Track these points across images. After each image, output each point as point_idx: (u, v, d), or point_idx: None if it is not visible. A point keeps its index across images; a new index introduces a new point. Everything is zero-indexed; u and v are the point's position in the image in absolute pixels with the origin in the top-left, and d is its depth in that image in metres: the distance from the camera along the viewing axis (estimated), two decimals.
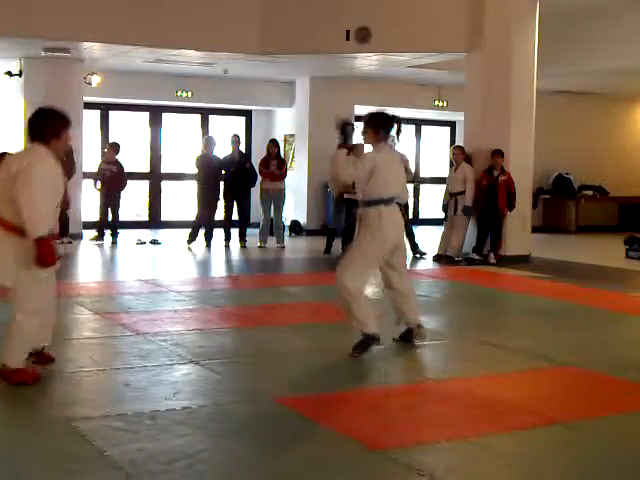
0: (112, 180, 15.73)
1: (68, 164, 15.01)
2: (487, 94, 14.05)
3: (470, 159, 14.10)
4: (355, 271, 7.03)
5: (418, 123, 21.88)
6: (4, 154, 10.67)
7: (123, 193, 16.11)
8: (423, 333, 7.60)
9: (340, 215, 14.72)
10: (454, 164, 14.32)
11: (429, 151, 22.22)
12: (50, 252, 5.81)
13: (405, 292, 7.51)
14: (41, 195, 5.75)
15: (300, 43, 14.77)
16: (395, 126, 7.40)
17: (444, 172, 16.85)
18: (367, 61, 15.95)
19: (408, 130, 21.64)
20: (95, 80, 16.54)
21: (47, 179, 5.85)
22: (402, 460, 4.65)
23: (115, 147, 16.13)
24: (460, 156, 14.13)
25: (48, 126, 6.01)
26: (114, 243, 15.58)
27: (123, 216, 16.80)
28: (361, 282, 7.11)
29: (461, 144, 14.96)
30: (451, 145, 19.45)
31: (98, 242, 15.65)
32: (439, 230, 14.79)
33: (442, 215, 14.70)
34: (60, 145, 6.09)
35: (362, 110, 19.20)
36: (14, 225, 5.81)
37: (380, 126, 7.34)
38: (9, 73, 16.04)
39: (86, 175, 16.18)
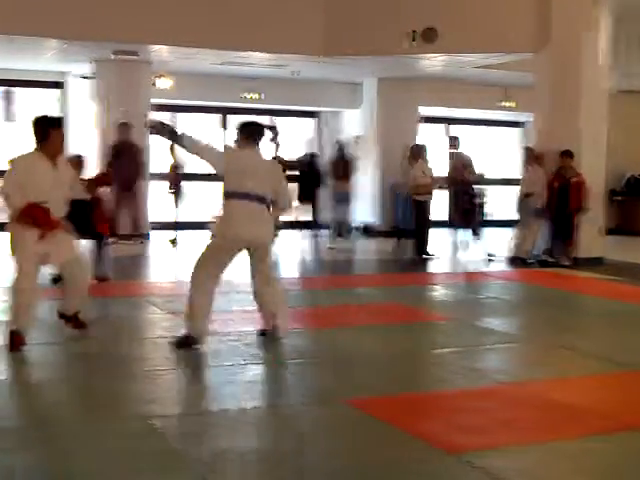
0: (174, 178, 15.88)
1: (136, 165, 15.24)
2: (556, 94, 13.89)
3: (540, 160, 13.95)
4: (200, 264, 7.23)
5: (485, 124, 21.74)
6: (79, 157, 10.87)
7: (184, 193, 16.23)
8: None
9: (409, 216, 14.68)
10: (524, 166, 14.20)
11: (497, 152, 22.04)
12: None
13: (270, 299, 7.55)
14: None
15: (366, 44, 14.76)
16: (270, 134, 7.82)
17: (513, 173, 16.71)
18: (433, 62, 15.88)
19: (474, 131, 21.51)
20: (164, 82, 16.72)
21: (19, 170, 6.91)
22: (476, 463, 4.62)
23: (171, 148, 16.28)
24: (530, 157, 14.00)
25: (35, 131, 6.99)
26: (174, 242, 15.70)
27: (194, 217, 16.93)
28: (203, 276, 7.18)
29: (531, 145, 14.84)
30: (520, 146, 19.28)
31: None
32: (510, 232, 14.66)
33: (512, 216, 14.57)
34: (49, 145, 6.95)
35: (428, 111, 19.22)
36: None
37: (248, 134, 7.46)
38: (81, 76, 16.28)
39: (154, 176, 16.33)
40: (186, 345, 7.08)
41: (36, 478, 4.38)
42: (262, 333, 7.61)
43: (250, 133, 7.46)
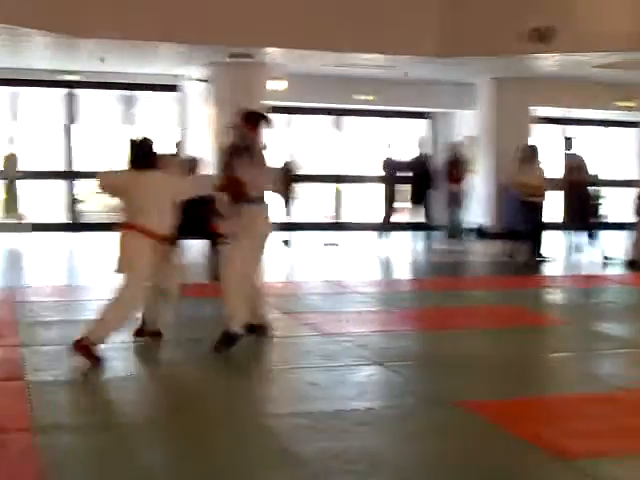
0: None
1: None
2: None
3: None
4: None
5: (602, 124, 21.30)
6: (194, 159, 11.05)
7: (299, 195, 16.42)
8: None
9: (523, 218, 14.48)
10: None
11: (615, 153, 21.57)
12: None
13: None
14: None
15: (480, 44, 14.64)
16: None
17: (632, 174, 16.33)
18: (549, 61, 15.64)
19: (590, 131, 21.09)
20: (278, 85, 16.90)
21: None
22: (590, 471, 4.52)
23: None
24: None
25: (138, 153, 6.95)
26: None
27: (311, 218, 17.06)
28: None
29: None
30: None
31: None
32: (627, 234, 14.31)
33: (631, 218, 14.20)
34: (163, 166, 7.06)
35: (543, 111, 18.94)
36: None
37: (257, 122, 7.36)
38: (197, 79, 16.57)
39: None
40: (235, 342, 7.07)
41: (155, 473, 4.49)
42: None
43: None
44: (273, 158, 15.43)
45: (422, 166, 15.75)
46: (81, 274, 12.47)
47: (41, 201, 18.02)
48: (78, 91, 18.07)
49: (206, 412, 5.49)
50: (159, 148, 7.16)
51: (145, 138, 7.14)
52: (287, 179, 16.06)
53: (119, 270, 6.76)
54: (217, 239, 11.01)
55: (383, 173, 15.97)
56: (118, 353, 6.98)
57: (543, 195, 14.17)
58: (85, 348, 6.46)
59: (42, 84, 17.82)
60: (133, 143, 7.09)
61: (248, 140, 7.22)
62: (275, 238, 15.63)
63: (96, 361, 6.45)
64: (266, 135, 7.37)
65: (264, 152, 7.33)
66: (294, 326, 8.27)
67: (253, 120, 7.32)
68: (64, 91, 18.03)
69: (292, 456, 4.66)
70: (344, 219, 19.57)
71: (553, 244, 15.03)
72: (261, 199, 7.25)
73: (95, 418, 5.34)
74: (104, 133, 18.71)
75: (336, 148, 19.55)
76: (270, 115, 7.53)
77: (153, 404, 5.89)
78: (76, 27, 13.03)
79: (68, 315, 8.63)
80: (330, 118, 19.47)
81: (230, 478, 4.41)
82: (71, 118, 18.12)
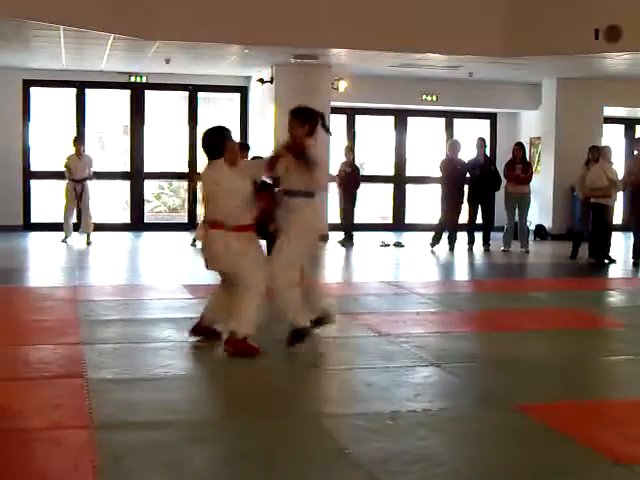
0: (346, 180, 16.05)
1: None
2: None
3: None
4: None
5: None
6: (245, 144, 11.11)
7: (360, 196, 16.47)
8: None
9: (586, 219, 14.32)
10: None
11: None
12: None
13: None
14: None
15: (546, 44, 14.47)
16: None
17: None
18: (617, 61, 15.41)
19: None
20: (342, 85, 16.93)
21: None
22: None
23: (352, 149, 16.69)
24: None
25: (214, 145, 6.99)
26: (350, 244, 15.89)
27: (368, 219, 16.99)
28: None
29: None
30: None
31: (347, 244, 15.97)
32: None
33: None
34: (228, 155, 6.93)
35: (611, 112, 18.66)
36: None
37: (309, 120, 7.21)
38: (261, 80, 16.66)
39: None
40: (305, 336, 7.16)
41: (211, 472, 4.53)
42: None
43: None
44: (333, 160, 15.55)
45: (483, 167, 15.64)
46: (142, 274, 12.61)
47: (104, 201, 18.18)
48: (143, 92, 18.26)
49: (262, 412, 5.51)
50: (229, 137, 7.10)
51: (214, 127, 7.24)
52: (354, 179, 16.10)
53: (208, 267, 7.23)
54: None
55: (440, 174, 15.87)
56: (176, 351, 7.07)
57: (609, 197, 13.95)
58: (242, 342, 6.79)
59: (108, 85, 18.08)
60: (203, 134, 7.20)
61: (298, 139, 7.09)
62: (333, 239, 15.79)
63: (256, 350, 6.81)
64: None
65: (314, 151, 7.18)
66: (351, 327, 8.29)
67: (306, 118, 7.19)
68: (130, 92, 18.23)
69: (347, 457, 4.66)
70: (405, 220, 19.50)
71: (616, 245, 14.82)
72: (309, 194, 7.13)
73: (153, 416, 5.38)
74: (169, 134, 18.91)
75: (398, 149, 19.48)
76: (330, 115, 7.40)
77: (210, 403, 5.97)
78: (142, 29, 13.17)
79: (127, 314, 8.76)
80: (393, 119, 19.40)
81: (285, 477, 4.42)
82: (137, 119, 18.29)
